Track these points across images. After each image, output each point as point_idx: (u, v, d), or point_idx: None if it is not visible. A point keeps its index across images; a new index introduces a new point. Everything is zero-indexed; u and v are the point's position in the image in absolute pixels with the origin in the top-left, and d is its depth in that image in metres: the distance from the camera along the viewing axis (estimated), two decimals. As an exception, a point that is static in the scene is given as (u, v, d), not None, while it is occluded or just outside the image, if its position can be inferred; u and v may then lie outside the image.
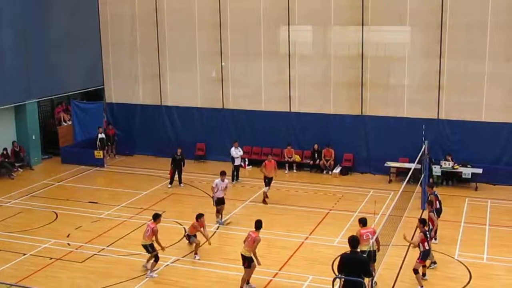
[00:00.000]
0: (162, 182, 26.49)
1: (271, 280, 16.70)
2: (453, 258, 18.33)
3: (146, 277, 16.87)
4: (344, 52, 28.16)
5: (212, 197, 21.60)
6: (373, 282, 14.77)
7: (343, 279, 13.17)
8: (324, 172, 28.16)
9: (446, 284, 16.46)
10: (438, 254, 18.28)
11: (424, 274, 16.84)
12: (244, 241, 16.49)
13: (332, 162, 28.08)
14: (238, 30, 29.28)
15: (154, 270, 17.09)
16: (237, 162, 26.95)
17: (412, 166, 22.52)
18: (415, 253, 17.66)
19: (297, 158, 28.51)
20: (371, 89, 27.76)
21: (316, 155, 28.31)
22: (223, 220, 21.51)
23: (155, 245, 17.14)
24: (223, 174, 21.69)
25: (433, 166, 25.36)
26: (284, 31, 28.65)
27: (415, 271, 16.24)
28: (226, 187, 21.61)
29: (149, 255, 17.26)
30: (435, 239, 19.31)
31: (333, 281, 13.11)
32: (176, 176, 26.11)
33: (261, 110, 29.41)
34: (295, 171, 28.41)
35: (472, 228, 20.83)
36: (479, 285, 16.48)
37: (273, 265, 17.66)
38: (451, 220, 20.99)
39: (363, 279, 12.99)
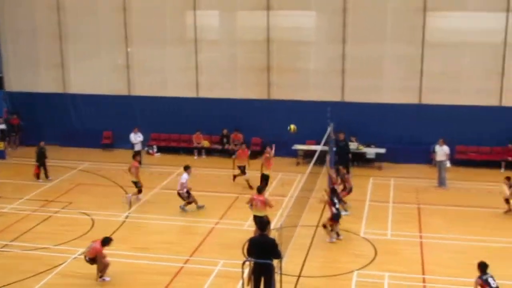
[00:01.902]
0: (68, 172, 25.86)
1: (182, 267, 16.66)
2: (359, 235, 18.89)
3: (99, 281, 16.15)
4: (251, 37, 28.30)
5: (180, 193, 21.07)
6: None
7: (253, 262, 13.32)
8: (233, 156, 28.25)
9: (353, 261, 16.93)
10: (344, 232, 18.82)
11: (338, 234, 18.36)
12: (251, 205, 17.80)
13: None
14: (143, 15, 28.85)
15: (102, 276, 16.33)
16: (137, 147, 26.68)
17: (319, 148, 23.00)
18: (323, 232, 18.22)
19: (206, 143, 28.53)
20: (278, 73, 28.11)
21: (225, 139, 28.41)
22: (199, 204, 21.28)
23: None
24: (187, 168, 21.25)
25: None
26: (190, 16, 28.50)
27: (324, 226, 18.20)
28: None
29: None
30: (346, 210, 20.30)
31: (243, 264, 13.24)
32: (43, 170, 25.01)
33: (168, 96, 29.18)
34: (204, 156, 28.44)
35: (377, 206, 21.54)
36: (384, 260, 17.06)
37: (184, 252, 17.62)
38: (356, 199, 21.61)
39: (272, 261, 13.19)
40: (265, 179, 22.69)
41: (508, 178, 20.76)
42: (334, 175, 21.26)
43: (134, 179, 22.02)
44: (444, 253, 17.28)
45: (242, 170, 23.96)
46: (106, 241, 15.79)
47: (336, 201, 18.40)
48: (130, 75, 29.57)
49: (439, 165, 23.86)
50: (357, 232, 19.14)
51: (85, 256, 15.90)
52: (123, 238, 18.58)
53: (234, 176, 24.35)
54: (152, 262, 16.90)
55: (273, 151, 23.36)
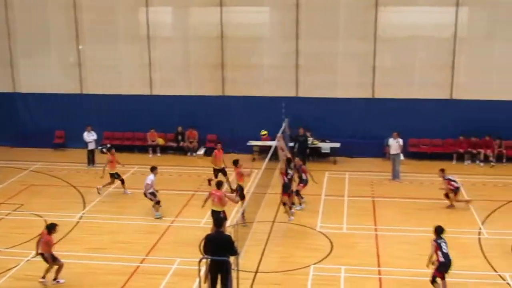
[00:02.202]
0: (19, 173, 25.33)
1: (138, 267, 16.49)
2: (315, 230, 19.00)
3: (52, 283, 15.77)
4: (204, 34, 28.19)
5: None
6: None
7: (209, 260, 13.25)
8: (188, 154, 28.19)
9: (310, 255, 17.00)
10: (301, 227, 18.94)
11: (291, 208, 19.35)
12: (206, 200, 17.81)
13: (196, 144, 28.16)
14: (94, 12, 28.44)
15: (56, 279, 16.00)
16: (91, 146, 26.31)
17: (274, 143, 23.01)
18: (279, 228, 18.27)
19: (160, 141, 28.31)
20: (232, 69, 28.08)
21: (179, 137, 28.24)
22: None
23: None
24: (154, 169, 20.78)
25: (293, 143, 26.13)
26: (143, 13, 28.23)
27: (284, 203, 18.99)
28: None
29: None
30: (301, 204, 20.55)
31: (199, 262, 13.17)
32: None
33: (122, 94, 28.84)
34: (159, 154, 28.22)
35: (332, 200, 21.70)
36: (340, 253, 17.19)
37: (140, 251, 17.44)
38: (312, 194, 21.71)
39: (229, 257, 13.15)
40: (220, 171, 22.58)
41: (442, 170, 21.03)
42: (283, 147, 21.39)
43: (111, 171, 22.42)
44: (398, 245, 17.52)
45: (216, 175, 22.48)
46: (50, 227, 15.52)
47: (289, 171, 19.11)
48: (82, 73, 29.12)
49: (393, 158, 24.12)
50: (313, 226, 19.24)
51: (38, 252, 15.56)
52: (77, 239, 18.33)
53: (209, 180, 22.85)
54: (108, 262, 16.69)
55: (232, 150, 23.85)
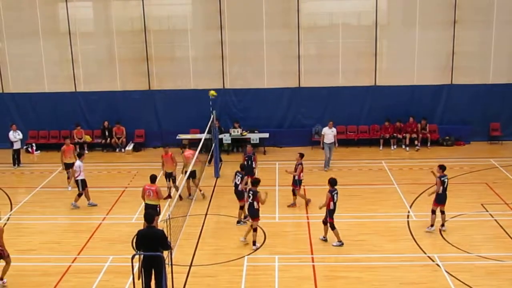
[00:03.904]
0: None
1: (70, 266, 16.17)
2: (248, 221, 19.03)
3: None
4: (127, 27, 27.84)
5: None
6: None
7: (142, 255, 13.14)
8: (117, 150, 27.80)
9: (243, 246, 17.06)
10: (233, 219, 18.99)
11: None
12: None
13: (124, 140, 27.80)
14: (11, 7, 27.59)
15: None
16: (16, 146, 25.57)
17: (203, 136, 22.99)
18: (211, 220, 18.25)
19: (87, 138, 27.76)
20: (157, 63, 27.84)
21: (107, 133, 27.80)
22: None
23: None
24: (81, 155, 20.92)
25: (223, 135, 26.19)
26: (63, 8, 27.57)
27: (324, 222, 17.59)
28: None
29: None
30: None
31: (132, 258, 13.04)
32: None
33: (44, 92, 28.14)
34: (86, 152, 27.64)
35: (264, 191, 21.76)
36: (273, 243, 17.34)
37: (71, 250, 17.10)
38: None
39: (162, 252, 13.07)
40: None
41: (301, 155, 20.43)
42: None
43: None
44: (329, 232, 17.81)
45: (173, 179, 21.13)
46: None
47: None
48: (3, 72, 28.22)
49: (329, 147, 24.15)
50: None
51: None
52: (5, 241, 17.71)
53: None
54: (38, 263, 16.34)
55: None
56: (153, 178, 17.73)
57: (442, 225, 17.78)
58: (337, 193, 16.92)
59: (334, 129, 24.25)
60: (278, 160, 25.54)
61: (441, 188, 17.45)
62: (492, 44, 26.84)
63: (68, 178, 22.40)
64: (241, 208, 18.71)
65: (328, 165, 24.34)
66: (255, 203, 17.07)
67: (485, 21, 26.69)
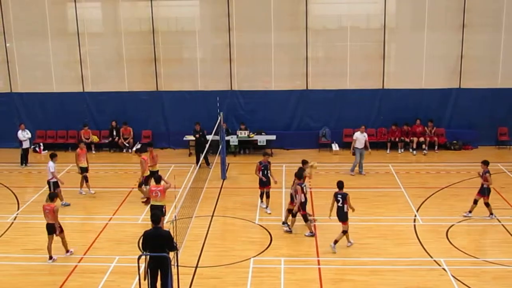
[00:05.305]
0: None
1: (76, 266, 16.20)
2: (254, 222, 19.06)
3: None
4: (135, 28, 27.90)
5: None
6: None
7: (148, 256, 13.14)
8: (124, 150, 27.84)
9: (249, 248, 17.05)
10: (239, 220, 18.99)
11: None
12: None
13: (131, 140, 27.84)
14: (21, 7, 27.67)
15: None
16: (25, 145, 25.65)
17: (210, 137, 22.97)
18: (218, 222, 18.20)
19: (95, 138, 27.82)
20: (164, 64, 27.86)
21: (114, 133, 27.84)
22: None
23: None
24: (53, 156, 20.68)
25: (230, 137, 26.20)
26: (71, 8, 27.64)
27: (293, 214, 18.05)
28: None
29: None
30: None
31: (138, 259, 13.05)
32: None
33: (53, 92, 28.23)
34: (94, 152, 27.71)
35: (270, 192, 21.74)
36: (279, 245, 17.31)
37: (77, 251, 17.12)
38: (250, 187, 21.80)
39: (168, 253, 13.08)
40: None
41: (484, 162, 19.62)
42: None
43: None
44: (336, 234, 17.74)
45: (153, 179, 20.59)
46: None
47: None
48: (11, 71, 28.32)
49: (360, 152, 23.61)
50: (252, 219, 19.29)
51: None
52: (12, 240, 17.88)
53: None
54: (44, 262, 16.32)
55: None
56: (157, 179, 17.74)
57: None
58: (306, 187, 17.85)
59: (365, 134, 23.85)
60: (284, 162, 25.49)
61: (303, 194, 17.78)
62: (501, 48, 26.77)
63: (87, 182, 22.01)
64: (289, 211, 18.31)
65: (361, 169, 23.76)
66: (345, 206, 16.77)
67: (494, 25, 26.63)
